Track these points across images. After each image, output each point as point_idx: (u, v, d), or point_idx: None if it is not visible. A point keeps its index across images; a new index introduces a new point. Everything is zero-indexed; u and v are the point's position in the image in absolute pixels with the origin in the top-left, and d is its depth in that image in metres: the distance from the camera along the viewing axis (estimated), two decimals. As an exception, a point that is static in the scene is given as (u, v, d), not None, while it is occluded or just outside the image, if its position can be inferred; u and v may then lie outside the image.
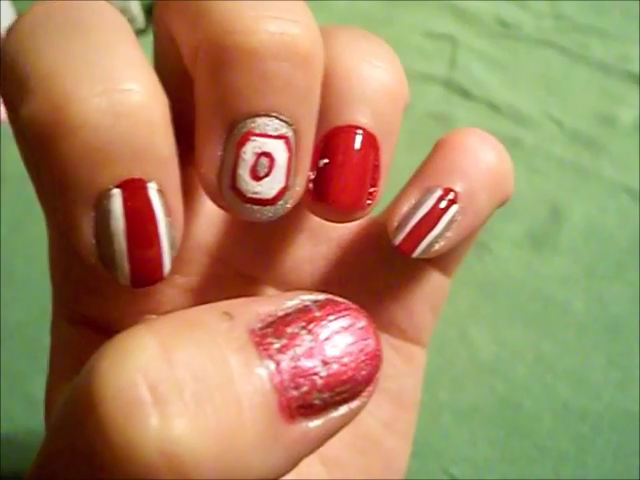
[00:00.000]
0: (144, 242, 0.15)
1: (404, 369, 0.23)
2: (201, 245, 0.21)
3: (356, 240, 0.23)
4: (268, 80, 0.15)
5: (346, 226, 0.22)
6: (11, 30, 0.16)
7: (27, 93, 0.14)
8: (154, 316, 0.20)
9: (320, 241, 0.22)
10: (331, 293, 0.22)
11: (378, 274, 0.23)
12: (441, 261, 0.22)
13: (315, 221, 0.21)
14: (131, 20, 0.59)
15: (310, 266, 0.22)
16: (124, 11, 0.58)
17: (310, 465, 0.22)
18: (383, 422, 0.23)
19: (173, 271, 0.20)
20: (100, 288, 0.19)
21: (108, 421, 0.12)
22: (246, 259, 0.21)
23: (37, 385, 0.41)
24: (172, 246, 0.16)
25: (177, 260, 0.19)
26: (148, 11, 0.61)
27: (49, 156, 0.14)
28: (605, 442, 0.38)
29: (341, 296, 0.22)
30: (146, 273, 0.16)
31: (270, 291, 0.22)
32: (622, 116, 0.51)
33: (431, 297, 0.23)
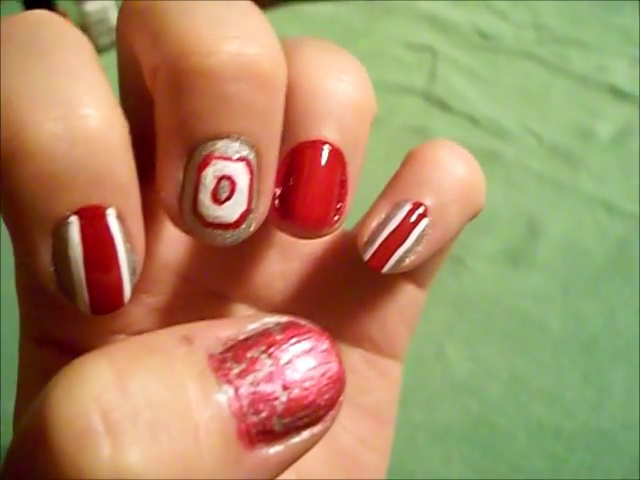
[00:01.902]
0: (103, 269, 0.15)
1: (379, 383, 0.23)
2: (169, 264, 0.20)
3: (328, 254, 0.22)
4: (227, 102, 0.15)
5: (318, 240, 0.22)
6: None
7: None
8: (122, 336, 0.20)
9: (292, 257, 0.22)
10: (304, 308, 0.22)
11: (351, 288, 0.22)
12: (415, 274, 0.22)
13: (286, 237, 0.21)
14: (110, 31, 0.58)
15: (282, 282, 0.22)
16: (102, 22, 0.57)
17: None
18: (359, 437, 0.23)
19: (141, 290, 0.20)
20: (65, 308, 0.19)
21: (59, 450, 0.12)
22: (216, 277, 0.21)
23: (10, 402, 0.41)
24: (132, 272, 0.16)
25: (145, 279, 0.19)
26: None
27: (5, 183, 0.14)
28: (579, 461, 0.37)
29: (314, 310, 0.22)
30: (106, 300, 0.15)
31: (242, 308, 0.22)
32: (600, 130, 0.51)
33: (405, 310, 0.23)
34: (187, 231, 0.16)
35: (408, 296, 0.22)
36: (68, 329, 0.19)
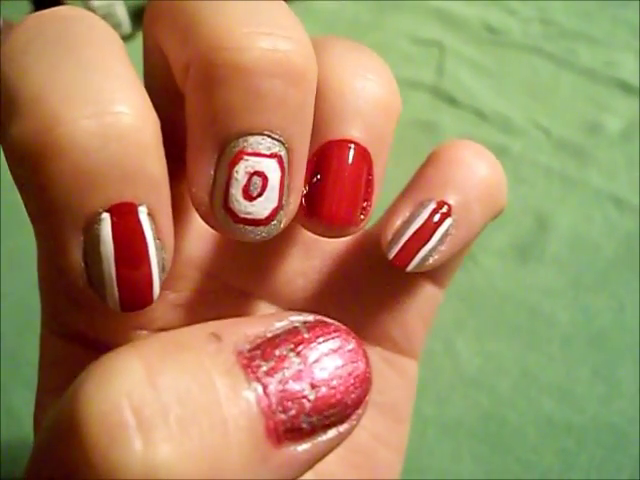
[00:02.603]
0: (134, 267, 0.15)
1: (397, 382, 0.23)
2: (192, 260, 0.20)
3: (349, 253, 0.23)
4: (261, 98, 0.15)
5: (340, 240, 0.22)
6: (3, 45, 0.15)
7: (17, 113, 0.14)
8: (145, 332, 0.20)
9: (313, 255, 0.22)
10: (324, 306, 0.23)
11: (372, 287, 0.23)
12: (435, 273, 0.22)
13: (308, 235, 0.21)
14: (117, 26, 0.58)
15: (303, 280, 0.22)
16: (109, 16, 0.57)
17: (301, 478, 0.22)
18: (376, 435, 0.23)
19: (165, 287, 0.20)
20: (90, 303, 0.19)
21: (91, 445, 0.12)
22: (238, 274, 0.21)
23: (18, 398, 0.41)
24: (162, 269, 0.16)
25: (169, 276, 0.19)
26: (135, 15, 0.61)
27: (37, 178, 0.14)
28: (590, 456, 0.37)
29: (334, 309, 0.22)
30: (135, 297, 0.15)
31: (263, 305, 0.22)
32: (609, 124, 0.51)
33: (424, 309, 0.23)
34: (217, 227, 0.16)
35: (427, 295, 0.23)
36: (92, 324, 0.20)
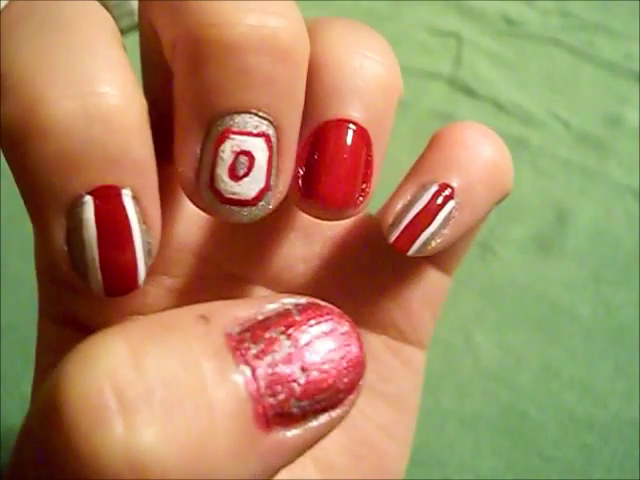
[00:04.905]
0: (117, 250, 0.15)
1: (402, 372, 0.23)
2: (188, 245, 0.20)
3: (352, 238, 0.22)
4: (247, 75, 0.14)
5: (341, 224, 0.22)
6: None
7: (2, 93, 0.14)
8: (140, 317, 0.20)
9: (314, 240, 0.22)
10: (326, 293, 0.22)
11: (375, 273, 0.22)
12: (440, 259, 0.22)
13: (308, 219, 0.21)
14: (129, 13, 0.57)
15: (304, 266, 0.22)
16: (121, 4, 0.56)
17: (305, 468, 0.21)
18: (380, 426, 0.23)
19: (159, 271, 0.20)
20: (81, 289, 0.19)
21: (72, 427, 0.12)
22: (236, 259, 0.21)
23: (31, 386, 0.41)
24: (148, 253, 0.15)
25: (163, 260, 0.18)
26: (147, 4, 0.60)
27: (21, 160, 0.14)
28: (612, 452, 0.37)
29: (336, 296, 0.21)
30: (120, 282, 0.15)
31: (262, 291, 0.22)
32: (629, 117, 0.50)
33: (430, 296, 0.22)
34: (204, 207, 0.16)
35: (433, 282, 0.22)
36: (86, 310, 0.19)
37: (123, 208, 0.14)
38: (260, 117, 0.15)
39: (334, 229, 0.22)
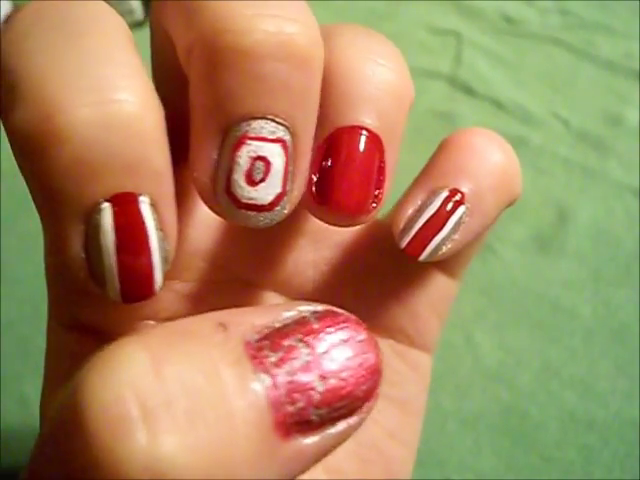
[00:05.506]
0: (135, 257, 0.15)
1: (409, 376, 0.23)
2: (200, 250, 0.20)
3: (360, 244, 0.22)
4: (264, 81, 0.14)
5: (350, 229, 0.22)
6: (5, 29, 0.15)
7: (18, 99, 0.14)
8: (152, 322, 0.20)
9: (323, 245, 0.22)
10: (334, 298, 0.22)
11: (382, 278, 0.22)
12: (447, 264, 0.22)
13: (318, 225, 0.21)
14: (130, 12, 0.57)
15: (313, 271, 0.22)
16: (122, 2, 0.56)
17: (313, 470, 0.21)
18: (387, 430, 0.23)
19: (171, 276, 0.20)
20: (95, 295, 0.19)
21: (94, 436, 0.11)
22: (246, 264, 0.21)
23: (30, 385, 0.41)
24: (164, 260, 0.15)
25: (175, 265, 0.18)
26: (148, 1, 0.60)
27: (38, 167, 0.14)
28: (612, 452, 0.37)
29: (344, 300, 0.21)
30: (137, 289, 0.15)
31: (272, 296, 0.22)
32: (629, 116, 0.50)
33: (437, 301, 0.22)
34: (220, 212, 0.16)
35: (440, 287, 0.22)
36: (98, 315, 0.19)
37: (141, 215, 0.14)
38: (277, 123, 0.15)
39: (342, 234, 0.22)
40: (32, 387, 0.41)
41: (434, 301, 0.22)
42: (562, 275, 0.43)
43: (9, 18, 0.15)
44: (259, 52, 0.14)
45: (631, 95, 0.52)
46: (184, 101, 0.16)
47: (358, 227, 0.22)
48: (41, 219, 0.17)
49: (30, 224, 0.46)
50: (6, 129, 0.15)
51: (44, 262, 0.19)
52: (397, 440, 0.23)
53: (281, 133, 0.15)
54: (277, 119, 0.15)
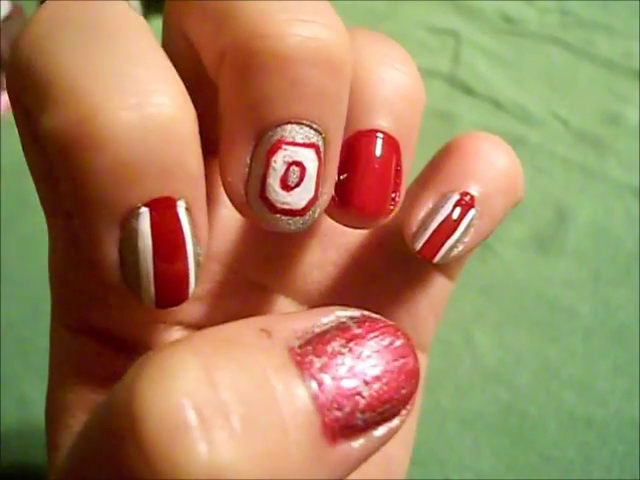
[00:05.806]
0: (171, 262, 0.15)
1: None
2: (212, 253, 0.20)
3: (363, 245, 0.22)
4: (299, 87, 0.14)
5: (354, 231, 0.22)
6: (25, 29, 0.15)
7: (49, 102, 0.14)
8: (162, 325, 0.20)
9: (329, 247, 0.22)
10: (338, 299, 0.22)
11: (384, 279, 0.22)
12: (446, 265, 0.22)
13: (324, 226, 0.21)
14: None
15: (319, 272, 0.22)
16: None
17: None
18: None
19: None
20: (106, 298, 0.19)
21: (152, 445, 0.11)
22: (256, 266, 0.21)
23: (30, 385, 0.41)
24: (197, 263, 0.15)
25: None
26: (147, 1, 0.60)
27: (73, 170, 0.14)
28: (611, 451, 0.37)
29: (348, 301, 0.21)
30: (172, 293, 0.15)
31: (280, 298, 0.22)
32: (628, 115, 0.50)
33: (435, 302, 0.23)
34: (252, 217, 0.16)
35: (438, 287, 0.23)
36: (107, 319, 0.19)
37: (178, 220, 0.14)
38: (311, 128, 0.15)
39: (347, 236, 0.22)
40: (32, 387, 0.41)
41: (432, 301, 0.23)
42: (561, 275, 0.43)
43: (30, 18, 0.15)
44: (295, 57, 0.14)
45: (630, 94, 0.52)
46: (200, 106, 0.16)
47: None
48: (76, 222, 0.17)
49: (28, 224, 0.46)
50: (32, 130, 0.15)
51: (47, 263, 0.19)
52: (396, 439, 0.23)
53: (314, 138, 0.15)
54: (312, 124, 0.15)
